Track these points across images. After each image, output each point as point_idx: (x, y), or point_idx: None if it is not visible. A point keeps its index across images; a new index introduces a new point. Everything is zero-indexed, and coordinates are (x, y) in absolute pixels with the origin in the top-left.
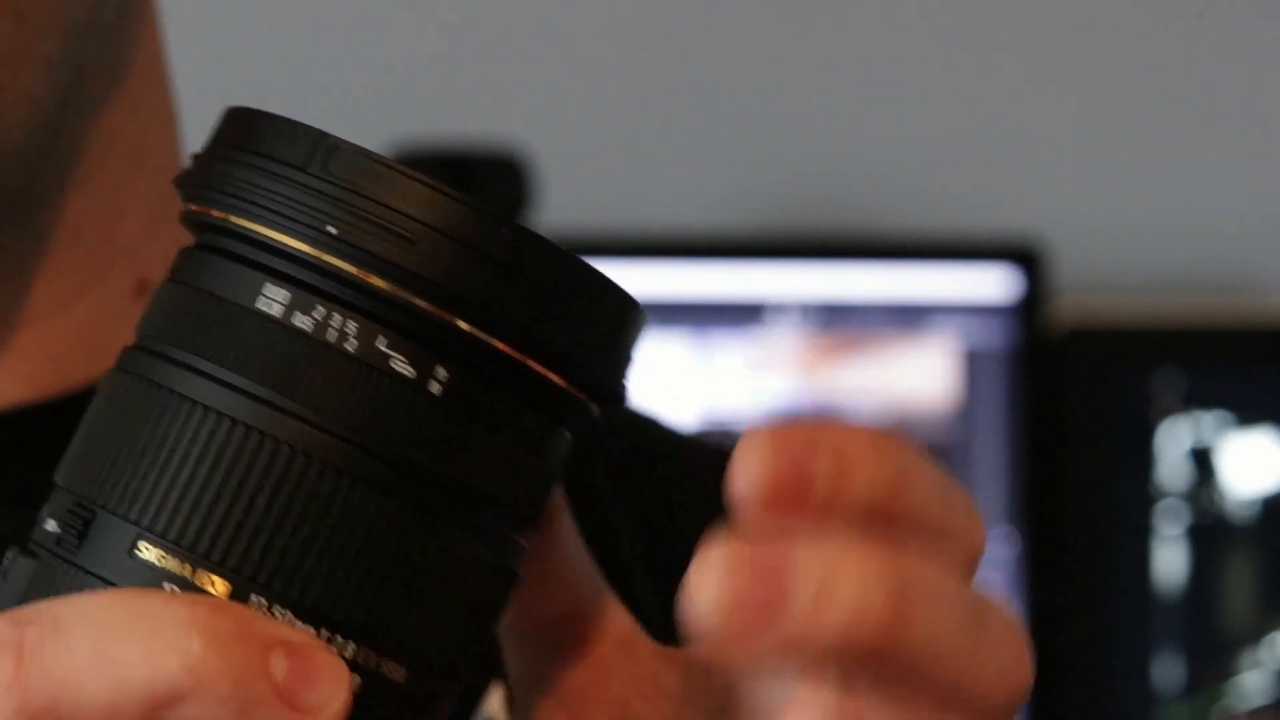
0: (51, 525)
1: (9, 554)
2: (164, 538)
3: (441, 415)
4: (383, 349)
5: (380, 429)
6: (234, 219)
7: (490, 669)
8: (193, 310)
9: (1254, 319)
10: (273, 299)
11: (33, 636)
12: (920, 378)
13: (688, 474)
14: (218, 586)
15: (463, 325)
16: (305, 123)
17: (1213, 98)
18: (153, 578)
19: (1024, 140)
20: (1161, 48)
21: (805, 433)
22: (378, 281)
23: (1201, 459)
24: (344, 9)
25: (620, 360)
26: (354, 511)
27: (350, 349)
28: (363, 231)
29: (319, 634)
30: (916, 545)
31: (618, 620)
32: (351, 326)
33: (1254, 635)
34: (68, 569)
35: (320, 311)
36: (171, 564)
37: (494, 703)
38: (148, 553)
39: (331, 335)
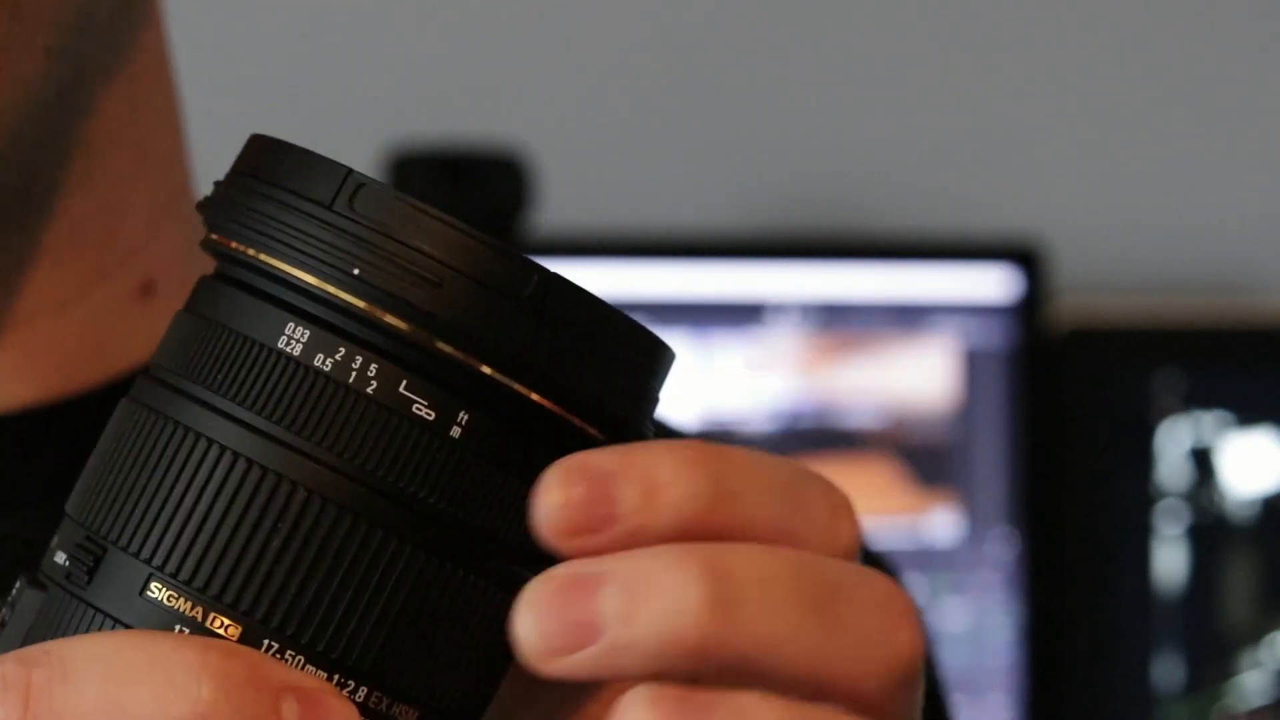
0: (61, 558)
1: (17, 584)
2: (175, 578)
3: (460, 459)
4: (404, 392)
5: (398, 472)
6: (257, 254)
7: None
8: (211, 344)
9: (1254, 319)
10: (294, 338)
11: (40, 678)
12: (920, 378)
13: None
14: (229, 630)
15: (486, 370)
16: (331, 158)
17: (1213, 98)
18: (163, 619)
19: (1024, 140)
20: (1161, 48)
21: (607, 459)
22: (400, 324)
23: (1201, 459)
24: (344, 9)
25: (645, 404)
26: (369, 555)
27: (371, 391)
28: (387, 273)
29: (331, 678)
30: (746, 547)
31: None
32: (373, 369)
33: (1254, 635)
34: (77, 605)
35: (342, 352)
36: (183, 605)
37: None
38: (159, 593)
39: (353, 377)
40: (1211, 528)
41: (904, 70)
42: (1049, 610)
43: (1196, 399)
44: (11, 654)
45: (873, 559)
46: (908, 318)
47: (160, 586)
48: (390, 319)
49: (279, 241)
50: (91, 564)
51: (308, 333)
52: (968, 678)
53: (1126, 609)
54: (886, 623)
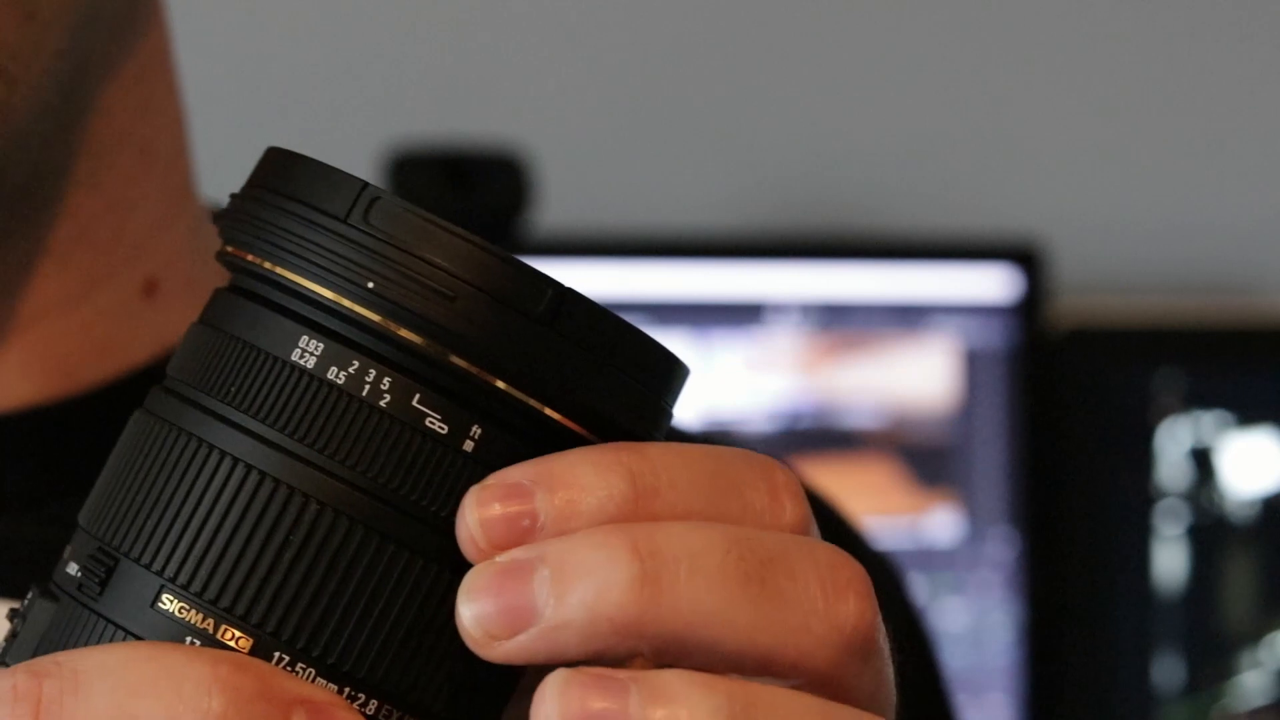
0: (73, 569)
1: (29, 594)
2: (187, 590)
3: (472, 473)
4: (417, 406)
5: (410, 486)
6: (272, 267)
7: None
8: (224, 357)
9: (1254, 319)
10: (308, 351)
11: (51, 690)
12: (920, 377)
13: None
14: (240, 642)
15: (499, 384)
16: (347, 171)
17: (1213, 98)
18: (175, 631)
19: (1024, 140)
20: (1161, 48)
21: (523, 472)
22: (414, 338)
23: (1201, 459)
24: (344, 9)
25: (658, 418)
26: (380, 568)
27: (384, 405)
28: (401, 287)
29: (342, 692)
30: (676, 524)
31: None
32: (386, 382)
33: (1254, 635)
34: (88, 616)
35: (355, 366)
36: (194, 617)
37: None
38: (170, 605)
39: (366, 390)
40: (1211, 528)
41: (904, 70)
42: (1049, 610)
43: (1196, 399)
44: (22, 665)
45: (872, 559)
46: (907, 317)
47: (172, 598)
48: (404, 333)
49: (294, 255)
50: (103, 575)
51: (322, 346)
52: (968, 678)
53: (1126, 609)
54: (829, 593)
